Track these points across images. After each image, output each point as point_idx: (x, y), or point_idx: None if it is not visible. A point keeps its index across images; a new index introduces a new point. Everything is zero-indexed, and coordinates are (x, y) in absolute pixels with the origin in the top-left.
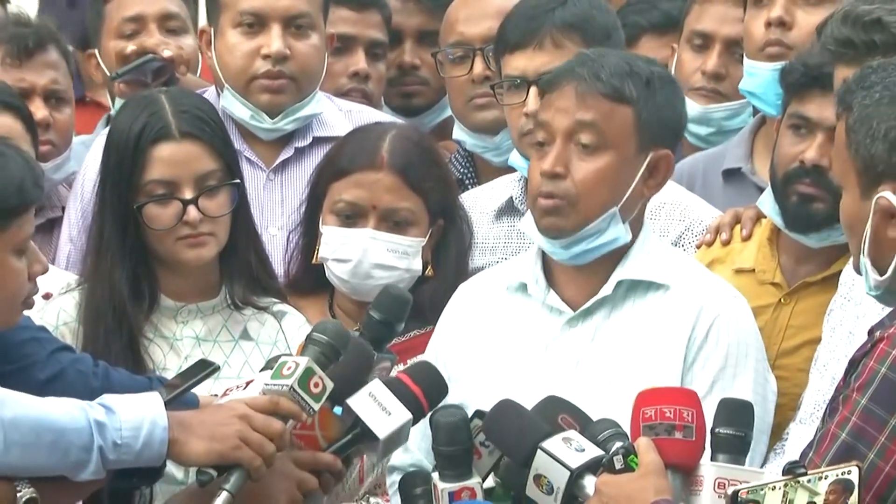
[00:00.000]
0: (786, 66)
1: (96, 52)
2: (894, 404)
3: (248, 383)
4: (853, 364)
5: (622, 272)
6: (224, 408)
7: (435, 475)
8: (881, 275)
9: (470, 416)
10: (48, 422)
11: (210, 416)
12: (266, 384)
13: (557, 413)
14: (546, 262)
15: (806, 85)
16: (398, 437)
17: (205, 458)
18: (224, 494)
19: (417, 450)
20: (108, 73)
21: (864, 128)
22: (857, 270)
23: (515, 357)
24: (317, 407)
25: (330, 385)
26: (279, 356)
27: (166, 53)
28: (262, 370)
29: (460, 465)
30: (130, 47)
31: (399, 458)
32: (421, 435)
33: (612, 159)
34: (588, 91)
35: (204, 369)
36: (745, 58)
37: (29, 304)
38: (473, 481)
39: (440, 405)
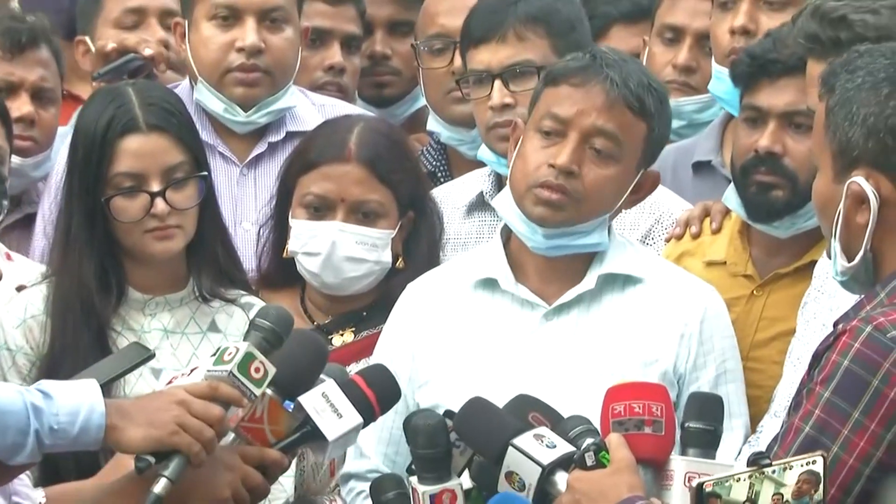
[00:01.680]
0: (734, 61)
1: (87, 38)
2: (857, 397)
3: (192, 370)
4: (816, 358)
5: (601, 266)
6: (163, 394)
7: (414, 479)
8: (849, 261)
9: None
10: None
11: (148, 402)
12: (208, 370)
13: (528, 411)
14: (510, 256)
15: (754, 75)
16: (347, 440)
17: (142, 444)
18: (163, 480)
19: (375, 455)
20: (98, 63)
21: (844, 111)
22: (828, 253)
23: (491, 353)
24: (258, 392)
25: (272, 370)
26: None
27: (147, 52)
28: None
29: (440, 468)
30: (111, 45)
31: (356, 465)
32: (377, 440)
33: (620, 169)
34: (617, 98)
35: (138, 356)
36: (713, 60)
37: None
38: (454, 483)
39: (420, 410)
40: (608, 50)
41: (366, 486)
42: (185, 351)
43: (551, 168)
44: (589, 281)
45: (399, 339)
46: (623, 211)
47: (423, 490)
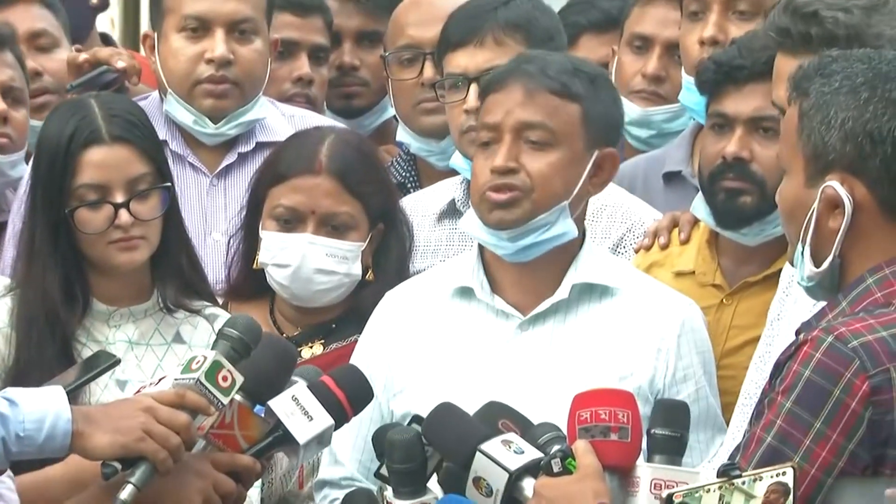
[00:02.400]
0: (699, 69)
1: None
2: (818, 407)
3: (160, 380)
4: (778, 367)
5: (575, 275)
6: (129, 401)
7: (388, 492)
8: (817, 266)
9: (407, 422)
10: None
11: (115, 409)
12: (176, 378)
13: (498, 418)
14: (486, 267)
15: (719, 82)
16: (319, 442)
17: (109, 450)
18: (129, 487)
19: (349, 463)
20: None
21: (820, 115)
22: (792, 262)
23: (465, 364)
24: (225, 400)
25: (240, 379)
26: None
27: (120, 65)
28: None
29: (416, 482)
30: (83, 56)
31: (330, 472)
32: (352, 447)
33: (562, 154)
34: (536, 88)
35: (103, 362)
36: (683, 70)
37: None
38: (429, 497)
39: (393, 423)
40: (535, 52)
41: (340, 493)
42: (149, 362)
43: (493, 173)
44: (563, 290)
45: (375, 347)
46: (592, 220)
47: None
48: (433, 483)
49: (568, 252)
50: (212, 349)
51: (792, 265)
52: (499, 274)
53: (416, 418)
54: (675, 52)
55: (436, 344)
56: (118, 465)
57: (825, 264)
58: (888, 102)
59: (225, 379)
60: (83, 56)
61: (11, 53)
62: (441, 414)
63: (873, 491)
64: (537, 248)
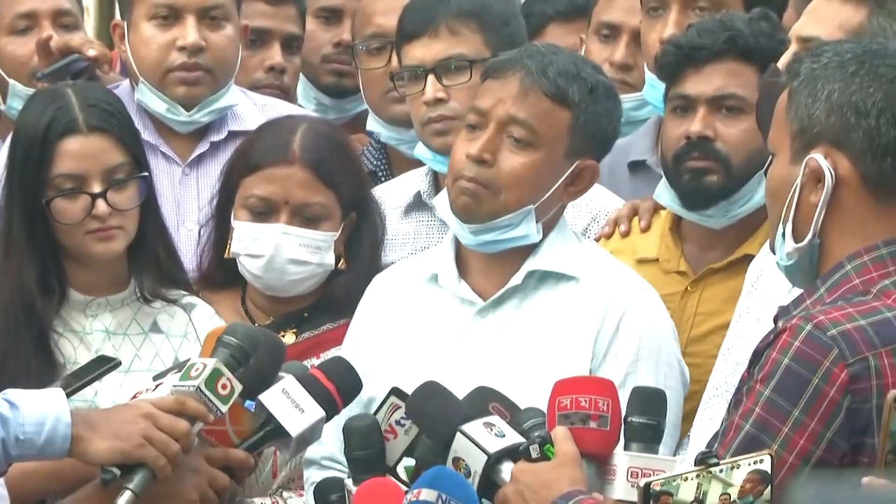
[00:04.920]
0: (657, 54)
1: None
2: (797, 395)
3: (157, 385)
4: (756, 355)
5: (532, 263)
6: (129, 406)
7: (349, 481)
8: (797, 242)
9: (386, 393)
10: None
11: (115, 414)
12: (174, 385)
13: (488, 402)
14: (459, 253)
15: (680, 65)
16: (311, 434)
17: (108, 455)
18: (127, 493)
19: (331, 443)
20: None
21: (808, 89)
22: (772, 248)
23: (425, 348)
24: (224, 409)
25: (238, 387)
26: (188, 360)
27: (91, 53)
28: (166, 371)
29: (375, 469)
30: (53, 42)
31: (313, 450)
32: (335, 426)
33: (540, 158)
34: (532, 86)
35: (104, 364)
36: (646, 67)
37: None
38: None
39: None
40: (545, 45)
41: (319, 474)
42: (127, 352)
43: (468, 159)
44: (518, 277)
45: (357, 331)
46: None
47: None
48: (409, 461)
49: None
50: (211, 356)
51: (772, 251)
52: (469, 260)
53: (396, 391)
54: None
55: (404, 329)
56: (117, 472)
57: (807, 238)
58: (875, 76)
59: (224, 387)
60: (53, 42)
61: None
62: (426, 391)
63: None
64: (498, 244)
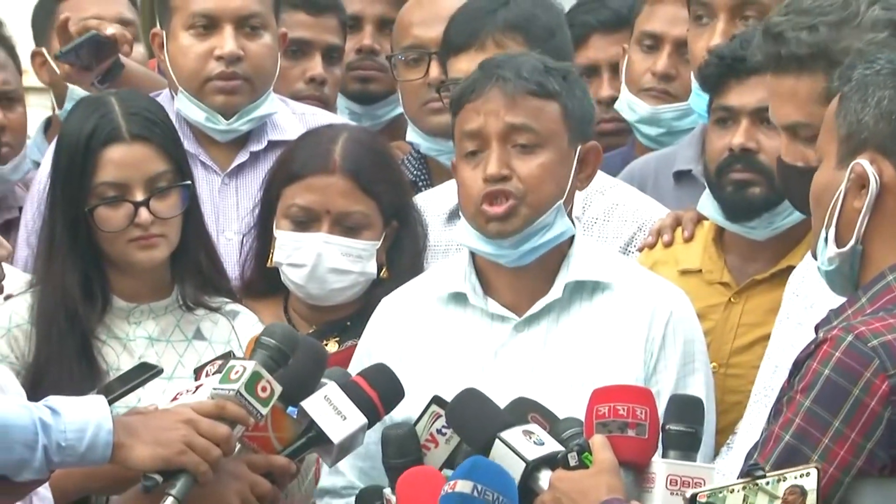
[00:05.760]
0: (702, 65)
1: (44, 50)
2: (837, 406)
3: (197, 388)
4: (797, 366)
5: (567, 274)
6: (170, 412)
7: (387, 490)
8: (839, 247)
9: (428, 402)
10: None
11: (155, 420)
12: (214, 388)
13: (527, 412)
14: (478, 270)
15: (722, 76)
16: (353, 441)
17: (150, 462)
18: (170, 500)
19: (349, 471)
20: (56, 72)
21: (859, 94)
22: (814, 253)
23: (462, 368)
24: (264, 411)
25: (278, 389)
26: (228, 353)
27: (109, 31)
28: (208, 363)
29: None
30: (72, 24)
31: (330, 481)
32: (353, 454)
33: (550, 155)
34: (516, 91)
35: (146, 371)
36: (692, 76)
37: None
38: None
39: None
40: (495, 56)
41: (341, 503)
42: (170, 359)
43: (486, 182)
44: (556, 290)
45: (372, 354)
46: (603, 220)
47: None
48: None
49: (559, 250)
50: (250, 359)
51: (814, 256)
52: (491, 276)
53: (437, 399)
54: (684, 50)
55: (433, 350)
56: (159, 479)
57: (851, 242)
58: None
59: (264, 389)
60: (72, 24)
61: (3, 49)
62: (466, 397)
63: (892, 490)
64: (539, 250)
